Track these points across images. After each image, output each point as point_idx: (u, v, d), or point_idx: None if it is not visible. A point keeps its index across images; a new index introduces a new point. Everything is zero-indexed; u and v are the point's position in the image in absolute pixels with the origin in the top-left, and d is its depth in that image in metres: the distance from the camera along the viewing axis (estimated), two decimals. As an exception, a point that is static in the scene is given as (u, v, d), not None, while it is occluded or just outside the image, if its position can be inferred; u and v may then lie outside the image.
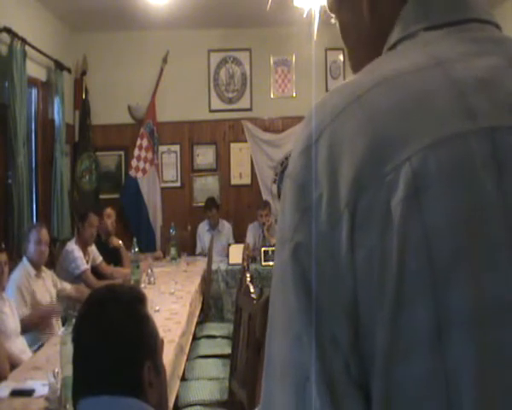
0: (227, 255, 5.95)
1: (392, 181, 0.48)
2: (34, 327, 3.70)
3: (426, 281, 0.46)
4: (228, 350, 3.89)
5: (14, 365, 2.90)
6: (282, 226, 0.54)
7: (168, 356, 2.64)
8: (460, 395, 0.45)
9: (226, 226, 6.66)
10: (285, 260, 0.52)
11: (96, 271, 5.03)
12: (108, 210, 5.62)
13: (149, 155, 6.86)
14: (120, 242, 5.53)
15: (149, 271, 4.71)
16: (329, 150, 0.51)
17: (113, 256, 5.43)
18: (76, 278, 4.69)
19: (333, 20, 0.67)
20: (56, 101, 5.87)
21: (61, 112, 5.89)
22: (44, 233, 4.03)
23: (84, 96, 6.69)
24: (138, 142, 6.83)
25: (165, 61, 6.93)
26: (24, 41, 4.88)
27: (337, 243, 0.49)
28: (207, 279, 5.32)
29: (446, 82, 0.51)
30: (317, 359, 0.49)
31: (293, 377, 0.50)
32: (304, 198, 0.51)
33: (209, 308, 5.47)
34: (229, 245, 6.09)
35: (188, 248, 6.46)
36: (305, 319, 0.49)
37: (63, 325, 3.40)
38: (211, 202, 6.56)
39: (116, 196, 6.89)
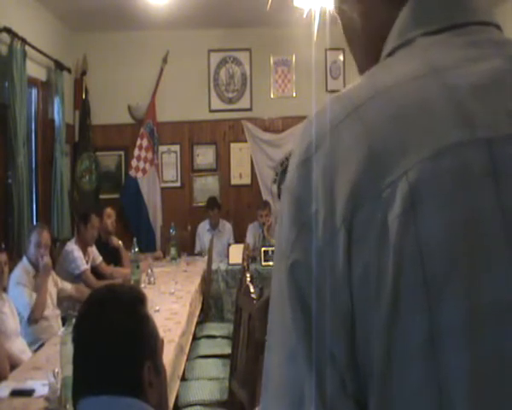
0: (227, 256, 5.96)
1: (389, 196, 0.47)
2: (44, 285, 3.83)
3: (421, 296, 0.46)
4: (228, 350, 3.89)
5: (14, 365, 2.90)
6: (279, 238, 0.53)
7: (168, 356, 2.64)
8: (453, 404, 0.45)
9: (227, 226, 6.66)
10: (282, 278, 0.52)
11: (95, 271, 5.03)
12: (108, 210, 5.62)
13: (149, 155, 6.86)
14: (120, 242, 5.53)
15: (149, 271, 4.71)
16: (326, 164, 0.50)
17: (113, 256, 5.44)
18: (76, 278, 4.69)
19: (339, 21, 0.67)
20: (56, 101, 5.87)
21: (61, 112, 5.89)
22: (45, 236, 4.01)
23: (84, 96, 6.69)
24: (138, 142, 6.83)
25: (165, 61, 6.93)
26: (24, 41, 4.88)
27: (334, 258, 0.48)
28: (207, 279, 5.32)
29: (444, 91, 0.50)
30: (313, 376, 0.49)
31: (289, 395, 0.50)
32: (301, 213, 0.51)
33: (209, 308, 5.47)
34: (229, 245, 6.09)
35: (188, 248, 6.45)
36: (300, 337, 0.49)
37: (63, 325, 3.40)
38: (213, 201, 6.56)
39: (116, 196, 6.89)
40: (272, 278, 0.55)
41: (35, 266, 3.91)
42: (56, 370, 2.24)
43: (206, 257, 5.69)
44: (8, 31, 4.66)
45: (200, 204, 6.86)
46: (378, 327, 0.47)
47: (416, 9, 0.57)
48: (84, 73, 6.75)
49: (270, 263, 5.69)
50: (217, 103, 7.10)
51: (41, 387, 2.36)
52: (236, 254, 5.64)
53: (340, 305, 0.48)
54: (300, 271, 0.50)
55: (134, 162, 6.84)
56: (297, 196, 0.52)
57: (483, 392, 0.45)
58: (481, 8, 0.57)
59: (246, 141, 7.05)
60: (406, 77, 0.52)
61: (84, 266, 4.83)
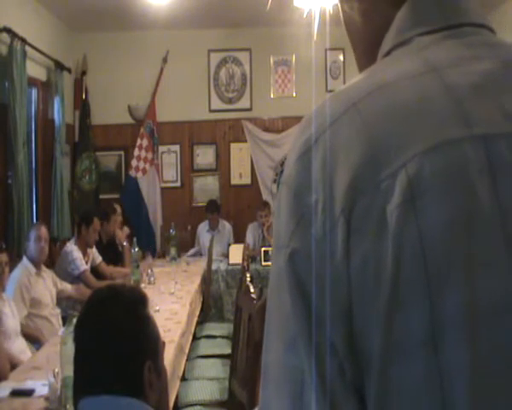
0: (227, 256, 5.96)
1: (387, 187, 0.48)
2: None
3: (421, 286, 0.46)
4: (228, 350, 3.89)
5: (13, 365, 2.90)
6: (277, 231, 0.54)
7: (168, 356, 2.64)
8: (455, 399, 0.46)
9: (227, 227, 6.65)
10: (281, 266, 0.52)
11: (95, 271, 5.03)
12: (119, 218, 5.66)
13: (149, 155, 6.86)
14: (126, 243, 5.52)
15: (149, 271, 4.71)
16: (325, 157, 0.51)
17: (113, 257, 5.44)
18: (75, 279, 4.69)
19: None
20: (56, 101, 5.87)
21: (61, 112, 5.89)
22: (43, 230, 4.08)
23: (84, 96, 6.69)
24: (138, 142, 6.83)
25: (165, 61, 6.93)
26: (24, 41, 4.88)
27: (333, 248, 0.49)
28: (207, 279, 5.32)
29: (441, 88, 0.51)
30: (312, 363, 0.49)
31: (289, 383, 0.50)
32: (299, 204, 0.52)
33: (209, 308, 5.47)
34: (229, 245, 6.10)
35: (188, 248, 6.46)
36: (299, 324, 0.50)
37: (63, 324, 3.40)
38: (213, 205, 6.53)
39: (116, 196, 6.88)
40: (271, 270, 0.55)
41: (36, 263, 3.93)
42: (56, 370, 2.24)
43: (205, 257, 5.69)
44: (8, 31, 4.66)
45: (200, 204, 6.86)
46: (376, 317, 0.47)
47: (413, 10, 0.58)
48: (84, 73, 6.75)
49: (270, 263, 5.68)
50: (217, 103, 7.10)
51: (41, 387, 2.36)
52: (236, 254, 5.65)
53: (339, 294, 0.49)
54: (299, 260, 0.51)
55: (134, 162, 6.85)
56: (296, 187, 0.52)
57: (483, 388, 0.45)
58: (475, 10, 0.59)
59: (246, 141, 7.05)
60: (405, 74, 0.53)
61: (84, 266, 4.83)
